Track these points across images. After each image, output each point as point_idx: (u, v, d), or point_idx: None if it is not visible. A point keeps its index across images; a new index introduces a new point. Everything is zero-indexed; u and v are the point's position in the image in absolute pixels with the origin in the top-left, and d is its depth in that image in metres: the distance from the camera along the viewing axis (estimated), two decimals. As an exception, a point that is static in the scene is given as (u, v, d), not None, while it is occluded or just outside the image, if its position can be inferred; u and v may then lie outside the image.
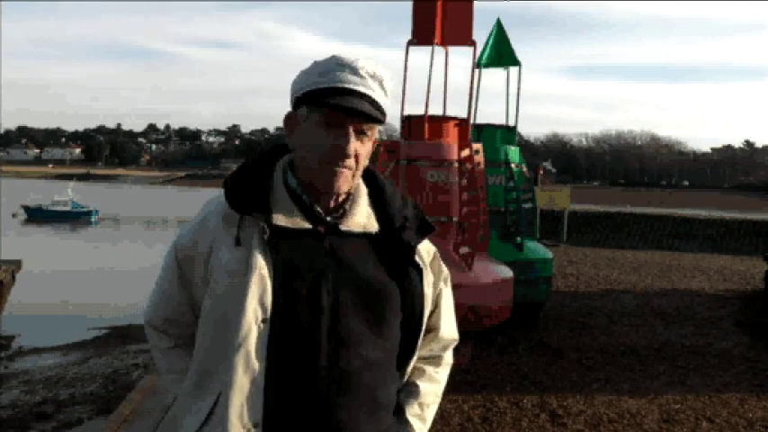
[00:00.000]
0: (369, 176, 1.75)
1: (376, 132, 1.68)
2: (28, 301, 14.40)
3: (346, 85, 1.60)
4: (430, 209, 7.19)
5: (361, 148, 1.64)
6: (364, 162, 1.67)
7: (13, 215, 42.79)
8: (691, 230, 25.15)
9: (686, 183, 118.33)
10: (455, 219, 7.28)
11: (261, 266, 1.57)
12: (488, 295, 6.95)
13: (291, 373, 1.57)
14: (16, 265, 12.90)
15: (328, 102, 1.59)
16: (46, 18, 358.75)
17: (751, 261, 18.22)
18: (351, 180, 1.65)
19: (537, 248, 9.57)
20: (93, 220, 44.56)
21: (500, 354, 7.68)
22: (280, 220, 1.61)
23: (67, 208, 45.10)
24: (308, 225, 1.64)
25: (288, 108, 1.71)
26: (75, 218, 43.96)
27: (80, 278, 19.55)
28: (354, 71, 1.61)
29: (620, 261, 17.36)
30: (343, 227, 1.66)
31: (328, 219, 1.66)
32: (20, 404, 8.72)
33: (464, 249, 7.02)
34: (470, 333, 7.21)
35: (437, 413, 5.80)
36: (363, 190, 1.72)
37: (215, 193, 1.74)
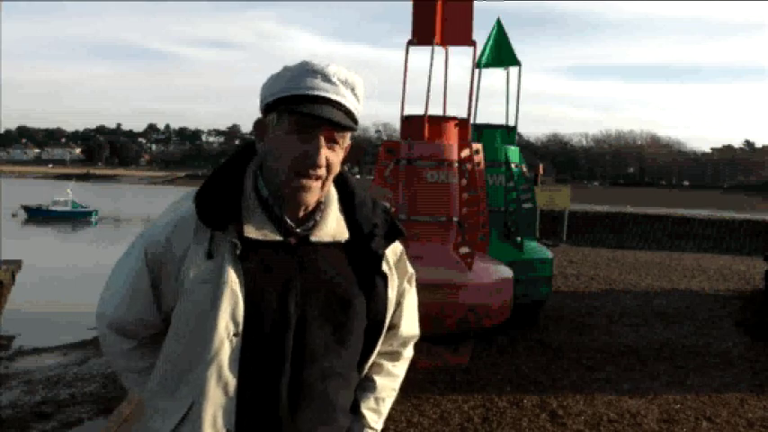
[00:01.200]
0: (340, 181, 1.75)
1: (348, 140, 1.67)
2: (28, 301, 14.40)
3: (317, 93, 1.58)
4: (430, 209, 7.20)
5: (332, 156, 1.62)
6: (336, 170, 1.65)
7: (13, 215, 42.78)
8: (691, 230, 25.15)
9: (686, 183, 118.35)
10: (455, 219, 7.28)
11: (233, 281, 1.57)
12: (488, 295, 6.95)
13: (259, 384, 1.60)
14: (16, 265, 12.87)
15: (299, 109, 1.57)
16: (46, 18, 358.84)
17: (751, 261, 18.20)
18: (319, 191, 1.64)
19: (537, 248, 9.57)
20: (93, 220, 44.59)
21: (500, 354, 7.67)
22: (251, 232, 1.61)
23: (67, 208, 45.14)
24: (278, 237, 1.64)
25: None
26: (76, 218, 43.98)
27: (80, 278, 19.51)
28: (326, 78, 1.59)
29: (620, 261, 17.34)
30: (313, 237, 1.66)
31: (298, 230, 1.65)
32: (20, 404, 8.71)
33: (464, 249, 7.02)
34: (470, 333, 7.21)
35: (437, 413, 5.80)
36: (334, 196, 1.72)
37: None
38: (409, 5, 7.56)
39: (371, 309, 1.70)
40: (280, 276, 1.62)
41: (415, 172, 7.29)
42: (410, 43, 7.51)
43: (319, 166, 1.59)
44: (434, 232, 7.11)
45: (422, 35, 7.49)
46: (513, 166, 9.39)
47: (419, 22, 7.50)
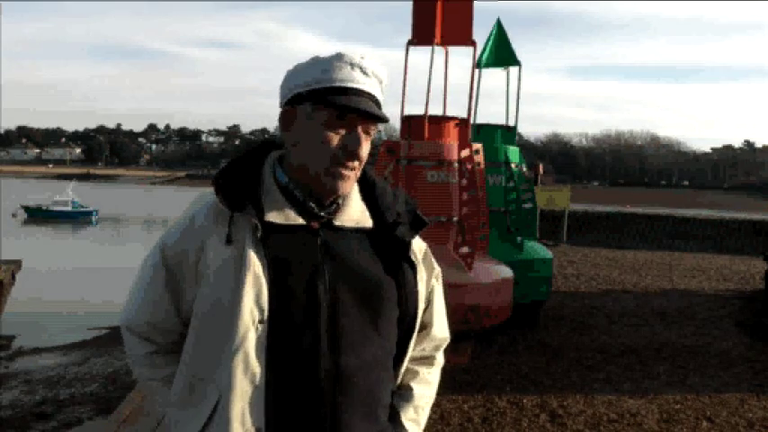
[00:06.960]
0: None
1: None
2: (28, 302, 14.39)
3: (356, 85, 1.58)
4: (430, 209, 7.19)
5: (366, 147, 1.62)
6: (365, 160, 1.65)
7: (13, 215, 42.76)
8: (691, 230, 25.15)
9: (686, 183, 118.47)
10: (455, 219, 7.28)
11: (255, 265, 1.52)
12: (488, 295, 6.95)
13: (292, 375, 1.54)
14: (16, 264, 12.86)
15: (342, 102, 1.56)
16: (46, 18, 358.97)
17: (751, 261, 18.20)
18: (353, 181, 1.64)
19: (537, 248, 9.56)
20: (93, 220, 44.59)
21: (500, 354, 7.68)
22: (272, 216, 1.58)
23: (68, 208, 45.13)
24: (301, 221, 1.60)
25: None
26: (76, 218, 43.99)
27: (80, 278, 19.53)
28: (362, 70, 1.59)
29: (620, 261, 17.35)
30: (336, 222, 1.63)
31: (321, 214, 1.63)
32: (20, 404, 8.71)
33: (464, 249, 7.02)
34: (470, 333, 7.21)
35: (437, 413, 5.78)
36: (354, 186, 1.70)
37: None
38: (409, 5, 7.56)
39: (402, 297, 1.66)
40: (305, 261, 1.57)
41: (415, 172, 7.28)
42: (410, 43, 7.51)
43: (359, 158, 1.60)
44: (434, 232, 7.11)
45: (422, 35, 7.48)
46: (513, 166, 9.39)
47: (419, 22, 7.50)
